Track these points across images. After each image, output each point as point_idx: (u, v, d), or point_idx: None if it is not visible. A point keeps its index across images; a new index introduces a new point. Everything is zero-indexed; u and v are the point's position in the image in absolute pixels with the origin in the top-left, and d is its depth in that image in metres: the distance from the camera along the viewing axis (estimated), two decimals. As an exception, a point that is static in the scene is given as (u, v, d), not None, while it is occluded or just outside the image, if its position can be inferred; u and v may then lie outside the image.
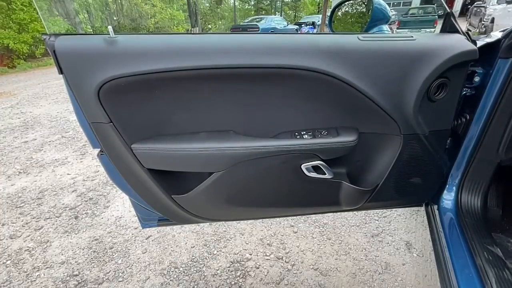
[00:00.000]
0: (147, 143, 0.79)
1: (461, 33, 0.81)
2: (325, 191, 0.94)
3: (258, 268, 1.35)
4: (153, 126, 0.80)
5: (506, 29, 0.91)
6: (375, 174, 0.97)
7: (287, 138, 0.85)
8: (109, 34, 0.67)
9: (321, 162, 0.86)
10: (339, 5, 1.01)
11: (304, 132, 0.87)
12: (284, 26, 12.25)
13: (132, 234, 1.62)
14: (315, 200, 0.97)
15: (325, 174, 0.88)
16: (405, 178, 0.99)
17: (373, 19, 0.89)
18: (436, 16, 10.68)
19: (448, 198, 1.11)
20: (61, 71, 0.67)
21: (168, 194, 0.88)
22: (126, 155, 0.79)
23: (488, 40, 0.91)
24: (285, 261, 1.38)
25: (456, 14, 18.68)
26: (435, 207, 1.13)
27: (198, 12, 17.45)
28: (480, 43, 0.92)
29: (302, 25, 12.94)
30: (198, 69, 0.71)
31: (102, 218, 1.77)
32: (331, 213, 1.13)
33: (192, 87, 0.76)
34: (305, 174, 0.87)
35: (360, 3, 0.97)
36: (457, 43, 0.79)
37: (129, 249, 1.50)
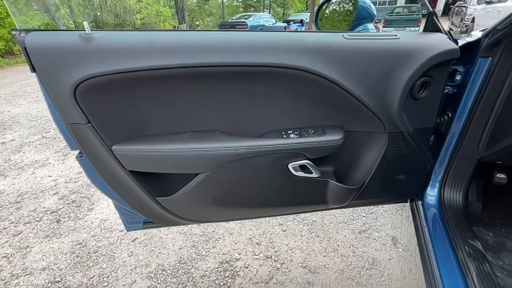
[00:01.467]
0: (129, 144, 0.76)
1: (443, 32, 0.83)
2: (312, 190, 0.94)
3: (247, 267, 1.35)
4: (135, 127, 0.77)
5: (486, 28, 0.93)
6: (361, 172, 0.97)
7: (274, 137, 0.84)
8: (85, 30, 0.64)
9: (308, 161, 0.86)
10: (324, 3, 1.00)
11: (291, 131, 0.86)
12: (273, 24, 12.23)
13: (118, 237, 1.57)
14: (302, 199, 0.97)
15: (312, 173, 0.88)
16: (391, 176, 1.01)
17: (358, 18, 0.89)
18: (420, 15, 10.94)
19: (431, 194, 1.14)
20: (33, 69, 0.63)
21: (152, 196, 0.86)
22: (107, 157, 0.76)
23: (469, 39, 0.93)
24: (274, 260, 1.38)
25: (439, 13, 19.20)
26: (420, 203, 1.16)
27: (186, 8, 17.14)
28: (461, 42, 0.94)
29: (291, 23, 12.95)
30: (181, 67, 0.68)
31: (86, 221, 1.71)
32: (319, 211, 1.14)
33: (176, 86, 0.74)
34: (292, 173, 0.87)
35: (345, 1, 0.97)
36: (439, 42, 0.80)
37: (114, 253, 1.46)
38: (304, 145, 0.83)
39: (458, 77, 0.97)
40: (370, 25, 0.92)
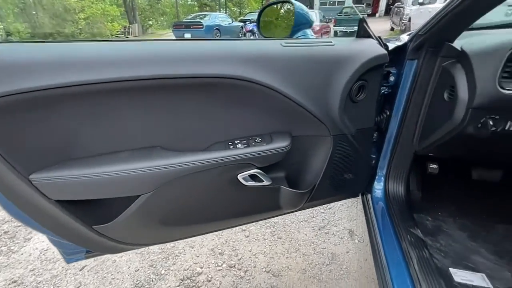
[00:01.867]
0: (51, 172, 0.67)
1: (374, 38, 0.87)
2: (265, 198, 0.93)
3: (210, 281, 1.30)
4: (57, 151, 0.67)
5: (411, 33, 1.01)
6: (312, 174, 0.99)
7: (221, 149, 0.81)
8: None
9: (258, 170, 0.84)
10: (265, 8, 1.00)
11: (238, 141, 0.84)
12: (229, 23, 12.14)
13: (63, 267, 1.40)
14: (256, 208, 0.96)
15: (263, 181, 0.87)
16: (340, 175, 1.05)
17: (296, 24, 0.90)
18: (366, 15, 11.81)
19: (378, 187, 1.21)
20: None
21: (88, 225, 0.76)
22: (24, 188, 0.65)
23: (398, 43, 1.00)
24: (238, 269, 1.35)
25: (382, 13, 20.95)
26: (369, 196, 1.23)
27: (136, 7, 16.19)
28: (391, 45, 1.01)
29: (247, 22, 12.99)
30: (109, 82, 0.61)
31: (22, 254, 1.50)
32: (275, 217, 1.14)
33: (105, 102, 0.66)
34: (243, 184, 0.85)
35: (283, 7, 0.97)
36: (370, 48, 0.84)
37: (58, 287, 1.30)
38: (252, 155, 0.81)
39: (392, 78, 1.03)
40: (309, 31, 0.93)
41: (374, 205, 1.17)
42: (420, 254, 0.88)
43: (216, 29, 11.03)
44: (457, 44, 0.88)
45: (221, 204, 0.89)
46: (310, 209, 1.73)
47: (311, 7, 17.52)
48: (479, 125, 0.80)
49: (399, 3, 11.97)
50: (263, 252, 1.44)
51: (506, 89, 0.73)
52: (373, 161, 1.19)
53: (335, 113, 0.84)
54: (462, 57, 0.84)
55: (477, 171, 1.22)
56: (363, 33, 0.87)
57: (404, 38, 1.02)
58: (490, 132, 0.80)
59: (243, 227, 1.60)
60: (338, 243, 1.48)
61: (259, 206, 0.96)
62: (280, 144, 0.84)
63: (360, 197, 1.28)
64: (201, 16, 11.87)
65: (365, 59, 0.81)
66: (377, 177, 1.20)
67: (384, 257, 0.93)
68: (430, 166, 1.18)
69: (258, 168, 0.85)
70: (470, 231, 1.17)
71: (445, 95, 0.88)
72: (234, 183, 0.84)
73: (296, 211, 1.06)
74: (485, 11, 0.74)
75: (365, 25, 0.85)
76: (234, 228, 1.60)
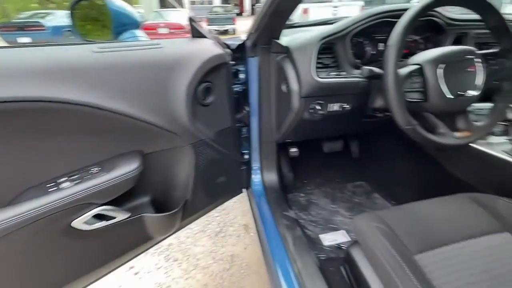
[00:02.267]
0: None
1: (209, 37, 0.85)
2: (125, 234, 0.77)
3: None
4: None
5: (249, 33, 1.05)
6: (181, 189, 0.90)
7: (37, 196, 0.60)
8: None
9: (103, 207, 0.67)
10: (75, 4, 0.80)
11: (65, 179, 0.64)
12: (86, 24, 10.22)
13: None
14: (116, 250, 0.79)
15: (115, 217, 0.71)
16: (212, 180, 1.00)
17: (118, 24, 0.76)
18: (235, 14, 12.59)
19: (256, 180, 1.25)
20: None
21: None
22: None
23: (239, 42, 1.03)
24: (128, 318, 1.13)
25: (249, 12, 22.96)
26: (251, 190, 1.26)
27: None
28: (236, 44, 1.02)
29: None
30: None
31: None
32: (147, 250, 0.99)
33: None
34: (85, 230, 0.66)
35: (96, 3, 0.81)
36: (206, 48, 0.81)
37: None
38: (89, 191, 0.64)
39: (242, 76, 1.06)
40: (139, 32, 0.82)
41: (255, 197, 1.21)
42: (294, 234, 0.96)
43: (68, 30, 9.07)
44: (285, 41, 0.98)
45: (60, 265, 0.67)
46: (204, 217, 1.66)
47: (182, 6, 17.15)
48: (311, 111, 0.92)
49: (259, 4, 13.41)
50: (158, 284, 1.27)
51: (320, 78, 0.86)
52: (248, 156, 1.22)
53: (184, 120, 0.77)
54: (288, 52, 0.93)
55: (326, 145, 1.47)
56: (196, 33, 0.83)
57: (243, 37, 1.06)
58: (320, 115, 0.93)
59: (130, 263, 1.36)
60: (236, 242, 1.48)
61: (121, 246, 0.79)
62: (127, 168, 0.70)
63: (245, 192, 1.31)
64: (41, 15, 9.40)
65: (202, 60, 0.77)
66: (253, 170, 1.25)
67: (268, 244, 0.97)
68: (291, 150, 1.32)
69: (103, 204, 0.68)
70: (330, 195, 1.39)
71: (283, 88, 0.97)
72: (70, 233, 0.64)
73: (175, 232, 0.95)
74: (290, 12, 0.83)
75: (194, 25, 0.81)
76: (119, 270, 1.33)
